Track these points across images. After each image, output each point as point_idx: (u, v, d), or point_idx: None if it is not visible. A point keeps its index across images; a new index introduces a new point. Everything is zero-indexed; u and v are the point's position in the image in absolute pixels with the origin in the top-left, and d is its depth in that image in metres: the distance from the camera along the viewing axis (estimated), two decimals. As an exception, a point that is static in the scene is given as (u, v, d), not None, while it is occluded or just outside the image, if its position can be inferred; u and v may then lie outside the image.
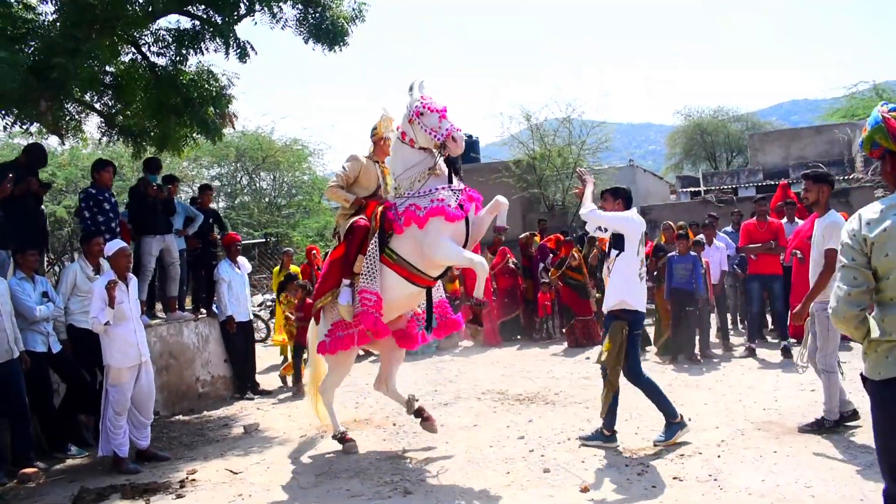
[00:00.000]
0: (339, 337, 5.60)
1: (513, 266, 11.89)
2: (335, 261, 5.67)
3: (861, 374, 2.91)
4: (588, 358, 9.53)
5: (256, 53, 7.51)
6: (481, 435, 6.00)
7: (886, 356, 2.73)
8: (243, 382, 8.47)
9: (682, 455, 5.10)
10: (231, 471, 5.49)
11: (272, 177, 24.66)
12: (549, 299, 11.48)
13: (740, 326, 10.54)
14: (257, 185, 24.69)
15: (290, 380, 8.70)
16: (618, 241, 5.53)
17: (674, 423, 5.41)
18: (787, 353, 8.40)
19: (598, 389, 7.28)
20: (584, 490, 4.58)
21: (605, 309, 5.65)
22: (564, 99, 24.23)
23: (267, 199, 24.12)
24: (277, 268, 11.33)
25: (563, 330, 11.06)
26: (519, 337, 11.83)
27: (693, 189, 25.25)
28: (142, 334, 5.72)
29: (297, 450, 6.08)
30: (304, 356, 9.40)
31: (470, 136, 19.75)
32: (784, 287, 8.84)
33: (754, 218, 9.14)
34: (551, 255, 11.68)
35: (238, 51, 7.48)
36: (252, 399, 8.27)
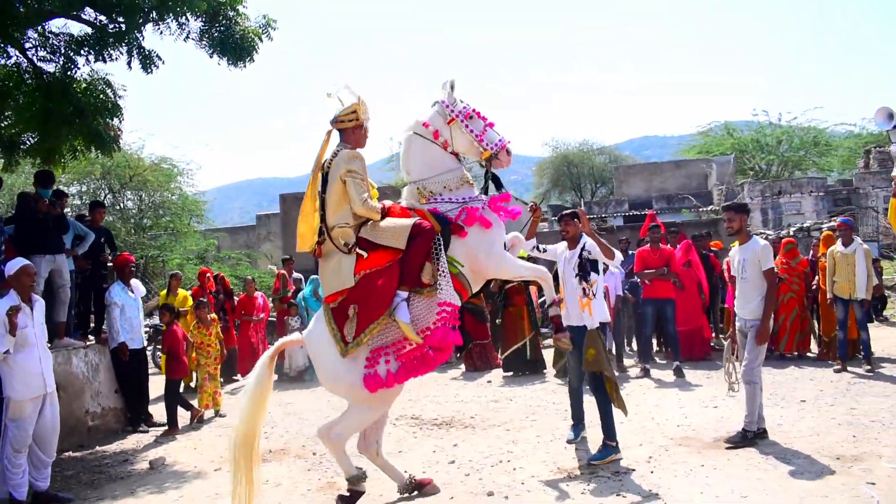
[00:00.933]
0: (408, 363, 4.55)
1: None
2: (377, 274, 4.55)
3: None
4: (490, 381, 9.61)
5: (164, 63, 7.09)
6: (410, 461, 5.86)
7: None
8: (136, 415, 7.83)
9: (617, 472, 5.20)
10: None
11: (139, 196, 23.26)
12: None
13: (626, 349, 10.97)
14: (122, 204, 23.21)
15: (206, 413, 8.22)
16: (594, 265, 5.84)
17: (610, 445, 5.53)
18: (679, 372, 8.84)
19: (511, 412, 7.49)
20: None
21: (594, 322, 5.72)
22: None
23: (133, 220, 22.71)
24: (164, 291, 10.66)
25: (459, 354, 11.09)
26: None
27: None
28: (47, 363, 5.14)
29: (217, 484, 5.67)
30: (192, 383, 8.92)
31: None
32: (675, 310, 9.37)
33: (648, 245, 9.59)
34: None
35: (142, 60, 7.03)
36: (146, 432, 7.66)
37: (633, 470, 5.24)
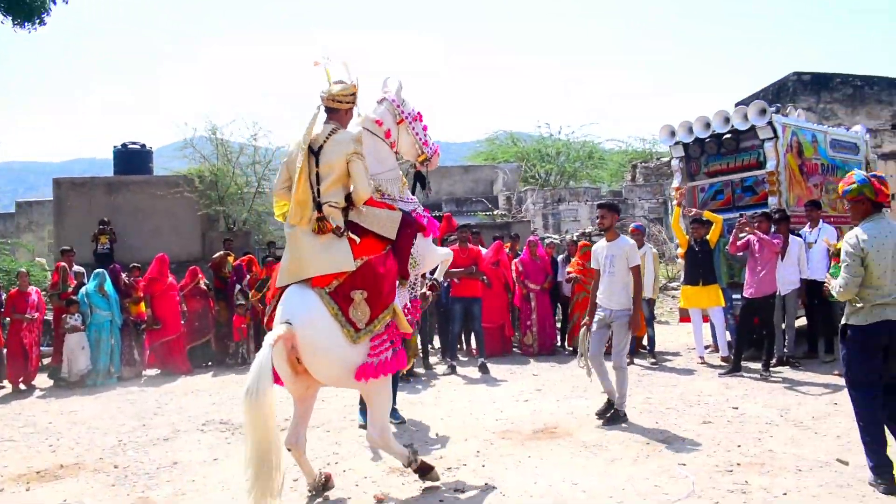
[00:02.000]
0: (396, 352, 4.48)
1: (204, 287, 11.09)
2: (379, 261, 4.44)
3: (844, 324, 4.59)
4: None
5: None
6: (231, 470, 5.42)
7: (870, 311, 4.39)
8: None
9: (450, 468, 5.19)
10: None
11: None
12: (244, 322, 10.92)
13: (430, 346, 11.10)
14: None
15: None
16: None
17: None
18: (484, 369, 9.10)
19: (328, 412, 7.24)
20: (380, 500, 4.53)
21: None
22: (251, 118, 23.52)
23: None
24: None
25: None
26: (210, 363, 11.03)
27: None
28: None
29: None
30: None
31: (143, 146, 18.01)
32: (481, 308, 9.68)
33: (456, 244, 9.78)
34: (248, 276, 11.16)
35: None
36: None
37: (465, 465, 5.25)
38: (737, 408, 6.59)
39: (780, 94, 16.37)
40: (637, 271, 6.41)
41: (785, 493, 4.30)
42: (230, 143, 16.67)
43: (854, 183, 4.50)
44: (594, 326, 6.55)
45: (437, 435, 6.19)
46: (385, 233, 4.56)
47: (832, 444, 5.21)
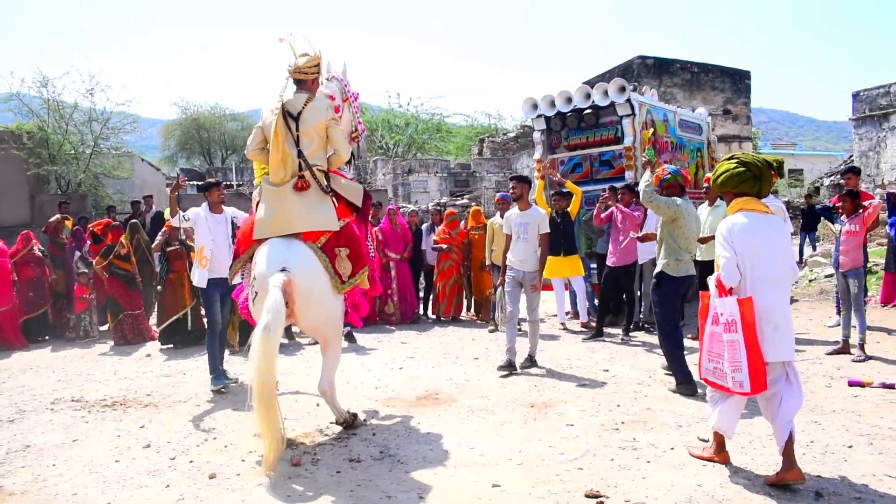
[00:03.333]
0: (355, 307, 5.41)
1: (39, 254, 10.04)
2: (355, 224, 5.18)
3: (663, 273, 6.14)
4: (149, 355, 8.64)
5: None
6: (94, 450, 4.92)
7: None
8: None
9: (340, 438, 5.02)
10: None
11: None
12: (86, 292, 10.02)
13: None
14: None
15: None
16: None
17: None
18: (350, 338, 8.93)
19: (192, 386, 6.85)
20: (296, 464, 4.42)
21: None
22: (88, 71, 21.18)
23: None
24: None
25: (111, 326, 9.77)
26: (48, 337, 10.04)
27: (198, 182, 24.94)
28: None
29: None
30: None
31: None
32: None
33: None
34: (92, 242, 10.23)
35: None
36: None
37: (355, 434, 5.10)
38: (607, 370, 6.89)
39: (626, 76, 17.19)
40: (546, 238, 7.11)
41: (672, 448, 4.53)
42: (63, 99, 15.07)
43: (669, 174, 6.33)
44: (507, 287, 7.20)
45: (318, 405, 5.97)
46: (355, 200, 5.21)
47: (701, 402, 5.55)
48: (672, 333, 6.07)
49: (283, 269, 4.62)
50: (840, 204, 7.68)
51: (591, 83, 13.66)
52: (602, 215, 8.80)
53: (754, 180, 4.07)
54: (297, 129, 4.91)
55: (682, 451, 4.46)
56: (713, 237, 4.62)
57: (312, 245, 4.82)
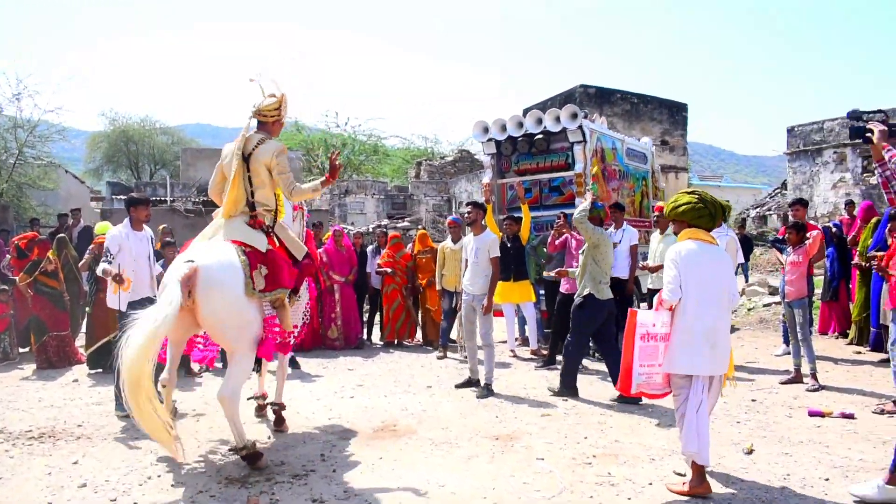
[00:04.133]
0: (280, 343, 5.21)
1: (-48, 269, 9.29)
2: (283, 258, 5.25)
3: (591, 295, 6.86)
4: (76, 380, 8.05)
5: None
6: (23, 491, 4.44)
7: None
8: None
9: (297, 476, 4.67)
10: None
11: None
12: (5, 310, 9.32)
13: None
14: None
15: None
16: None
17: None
18: (294, 363, 8.55)
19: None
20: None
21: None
22: (16, 75, 19.87)
23: None
24: None
25: (34, 348, 9.08)
26: (-41, 359, 9.27)
27: (123, 196, 23.96)
28: None
29: None
30: None
31: None
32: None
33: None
34: (16, 256, 9.53)
35: None
36: None
37: (314, 471, 4.77)
38: (566, 399, 6.75)
39: (568, 103, 17.40)
40: (496, 262, 7.15)
41: (650, 483, 4.38)
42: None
43: (595, 208, 6.93)
44: (462, 311, 7.41)
45: (269, 438, 5.62)
46: (294, 252, 5.40)
47: (670, 433, 5.45)
48: (581, 350, 7.15)
49: (189, 261, 4.63)
50: (786, 235, 7.82)
51: (535, 109, 13.73)
52: (556, 242, 8.73)
53: (709, 217, 4.44)
54: (248, 169, 5.08)
55: (661, 487, 4.32)
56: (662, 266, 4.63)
57: (235, 245, 4.85)
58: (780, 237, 9.52)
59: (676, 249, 4.33)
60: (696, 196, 4.50)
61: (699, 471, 4.17)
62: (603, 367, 8.40)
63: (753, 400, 6.68)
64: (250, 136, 5.11)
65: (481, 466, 4.81)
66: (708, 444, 4.18)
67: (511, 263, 9.14)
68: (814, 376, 7.08)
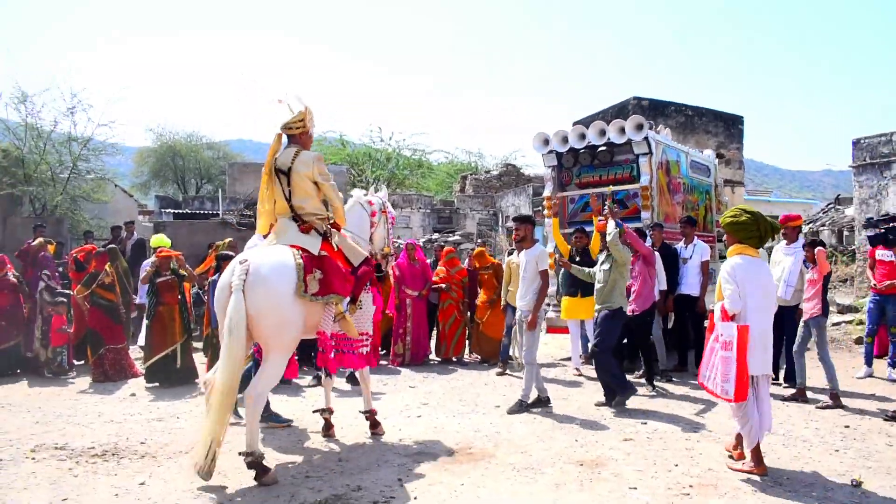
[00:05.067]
0: (344, 353, 5.77)
1: (14, 280, 9.28)
2: (339, 259, 5.44)
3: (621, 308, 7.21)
4: (134, 395, 7.91)
5: None
6: (92, 511, 4.27)
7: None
8: None
9: (377, 503, 4.42)
10: None
11: None
12: (64, 323, 9.27)
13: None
14: None
15: None
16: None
17: None
18: (353, 380, 8.31)
19: (181, 433, 6.12)
20: None
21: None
22: (70, 89, 20.20)
23: None
24: None
25: (91, 361, 8.99)
26: (19, 371, 9.22)
27: (175, 210, 24.14)
28: None
29: None
30: None
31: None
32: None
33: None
34: (74, 269, 9.50)
35: None
36: None
37: (393, 497, 4.50)
38: (645, 423, 6.38)
39: (620, 116, 17.02)
40: (545, 275, 6.89)
41: (763, 520, 4.03)
42: (41, 116, 14.27)
43: (616, 227, 7.20)
44: (516, 327, 7.19)
45: (340, 460, 5.36)
46: (352, 258, 5.57)
47: (767, 460, 5.06)
48: (611, 357, 7.13)
49: (244, 261, 4.80)
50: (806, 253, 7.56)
51: (585, 122, 13.38)
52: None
53: (758, 239, 5.03)
54: (290, 183, 5.23)
55: (776, 525, 3.96)
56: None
57: (294, 249, 5.01)
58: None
59: (730, 264, 4.89)
60: (749, 216, 4.99)
61: (757, 452, 4.87)
62: (674, 387, 8.02)
63: (847, 426, 6.24)
64: (284, 150, 5.32)
65: (572, 496, 4.49)
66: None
67: (579, 278, 8.73)
68: (835, 396, 7.05)
